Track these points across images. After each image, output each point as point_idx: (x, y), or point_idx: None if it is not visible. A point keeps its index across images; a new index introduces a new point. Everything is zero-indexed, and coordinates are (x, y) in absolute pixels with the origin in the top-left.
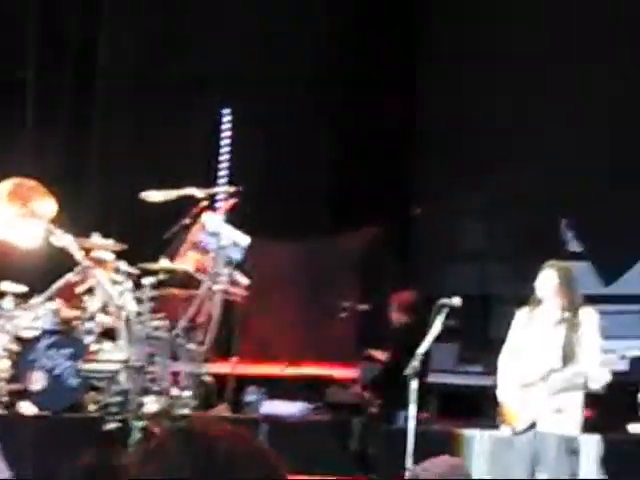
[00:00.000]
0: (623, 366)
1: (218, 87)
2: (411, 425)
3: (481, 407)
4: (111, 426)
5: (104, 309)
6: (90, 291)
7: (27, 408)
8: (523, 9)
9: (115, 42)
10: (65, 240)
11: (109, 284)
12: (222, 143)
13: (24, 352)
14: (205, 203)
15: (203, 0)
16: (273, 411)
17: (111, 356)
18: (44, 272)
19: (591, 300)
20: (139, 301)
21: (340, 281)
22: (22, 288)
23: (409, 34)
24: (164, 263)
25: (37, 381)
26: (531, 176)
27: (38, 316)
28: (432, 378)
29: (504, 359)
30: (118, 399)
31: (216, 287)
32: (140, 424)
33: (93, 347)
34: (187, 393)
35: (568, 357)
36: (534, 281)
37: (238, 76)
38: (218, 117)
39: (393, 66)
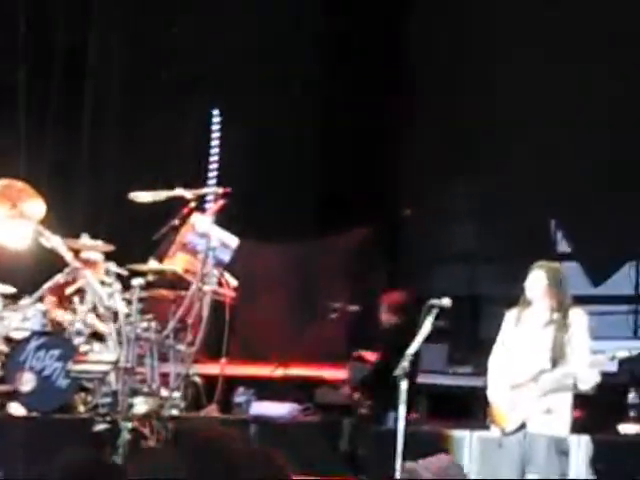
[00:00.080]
0: (612, 367)
1: (207, 88)
2: (401, 426)
3: (471, 408)
4: (101, 427)
5: (93, 310)
6: (79, 292)
7: (16, 409)
8: (523, 9)
9: (104, 43)
10: (54, 241)
11: (98, 285)
12: (211, 144)
13: (13, 353)
14: (194, 204)
15: (193, 1)
16: (263, 412)
17: (100, 357)
18: (33, 273)
19: (580, 301)
20: (128, 302)
21: (329, 282)
22: (11, 289)
23: (394, 34)
24: (153, 264)
25: (26, 382)
26: (521, 177)
27: (27, 317)
28: (422, 379)
29: (494, 360)
30: (108, 400)
31: (205, 288)
32: (130, 425)
33: (82, 348)
34: (176, 394)
35: (557, 358)
36: (524, 282)
37: (227, 77)
38: (207, 118)
39: (380, 67)
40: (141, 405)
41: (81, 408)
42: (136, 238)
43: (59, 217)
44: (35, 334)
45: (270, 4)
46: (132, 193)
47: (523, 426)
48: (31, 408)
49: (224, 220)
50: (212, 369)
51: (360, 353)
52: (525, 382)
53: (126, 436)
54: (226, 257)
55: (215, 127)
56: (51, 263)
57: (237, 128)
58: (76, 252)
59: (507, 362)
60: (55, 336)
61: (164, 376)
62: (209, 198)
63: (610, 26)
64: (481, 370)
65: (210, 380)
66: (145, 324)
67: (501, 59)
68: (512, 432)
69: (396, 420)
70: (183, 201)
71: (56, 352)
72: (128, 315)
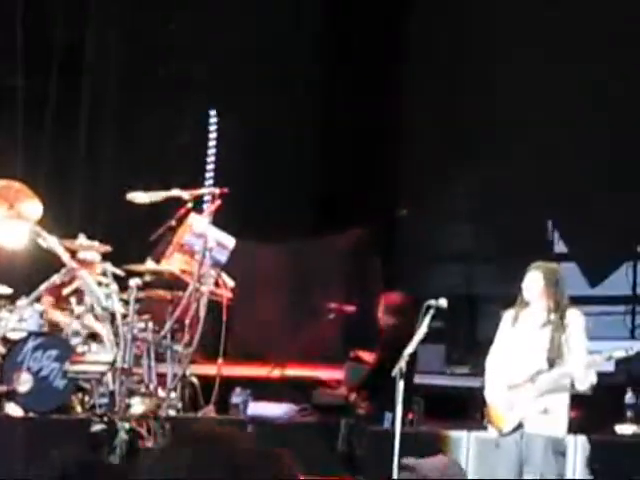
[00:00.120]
0: (609, 367)
1: (205, 85)
2: (398, 426)
3: (468, 408)
4: (98, 427)
5: (90, 311)
6: (76, 293)
7: (14, 410)
8: (523, 9)
9: (101, 40)
10: (51, 241)
11: (95, 286)
12: (209, 144)
13: (10, 354)
14: (191, 204)
15: (190, 3)
16: (260, 413)
17: (98, 358)
18: (30, 274)
19: (577, 301)
20: (125, 302)
21: (326, 282)
22: (7, 290)
23: (394, 34)
24: (150, 264)
25: (24, 383)
26: (519, 177)
27: (24, 318)
28: (419, 379)
29: (491, 360)
30: (105, 401)
31: (202, 289)
32: (127, 425)
33: (80, 349)
34: (174, 395)
35: (554, 358)
36: (521, 282)
37: (226, 77)
38: (205, 116)
39: (380, 67)
40: (138, 405)
41: (78, 409)
42: (133, 238)
43: (56, 217)
44: (32, 335)
45: (270, 4)
46: (129, 194)
47: (520, 426)
48: (28, 409)
49: (221, 220)
50: (209, 370)
51: (357, 353)
52: (522, 382)
53: (123, 436)
54: (223, 258)
55: (212, 127)
56: (48, 263)
57: (236, 127)
58: (73, 252)
59: (504, 362)
60: (52, 337)
61: (161, 377)
62: (206, 198)
63: (610, 26)
64: (478, 370)
65: (207, 381)
66: (142, 324)
67: (501, 59)
68: (509, 432)
69: (393, 420)
70: (180, 201)
71: (53, 353)
72: (125, 316)
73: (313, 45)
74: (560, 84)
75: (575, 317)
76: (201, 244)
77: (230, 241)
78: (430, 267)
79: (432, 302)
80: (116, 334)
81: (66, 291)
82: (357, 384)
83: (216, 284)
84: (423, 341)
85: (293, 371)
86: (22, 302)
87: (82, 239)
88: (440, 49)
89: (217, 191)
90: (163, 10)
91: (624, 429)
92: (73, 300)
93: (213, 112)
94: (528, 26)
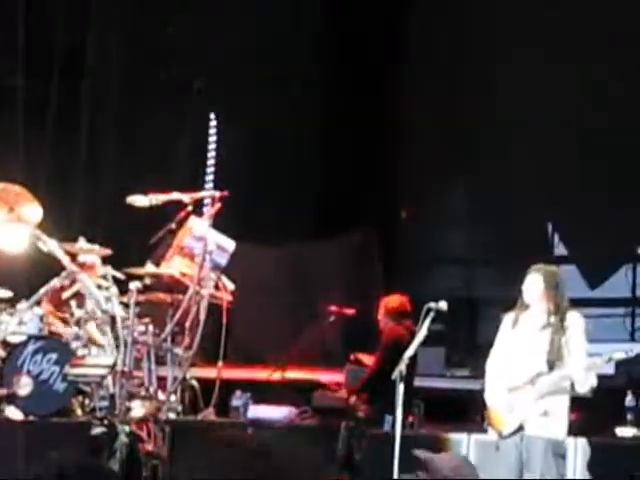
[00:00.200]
0: (609, 370)
1: (206, 92)
2: (398, 429)
3: (468, 411)
4: (98, 431)
5: (91, 314)
6: (76, 296)
7: (14, 413)
8: (523, 9)
9: (102, 43)
10: (51, 245)
11: (95, 289)
12: (209, 147)
13: (10, 357)
14: (191, 208)
15: (191, 3)
16: (260, 416)
17: (98, 361)
18: (30, 277)
19: (577, 303)
20: (125, 306)
21: (326, 285)
22: (8, 293)
23: (394, 34)
24: (150, 268)
25: (24, 386)
26: (519, 178)
27: (24, 321)
28: (419, 382)
29: (491, 363)
30: (105, 404)
31: (202, 292)
32: (127, 428)
33: (80, 352)
34: (174, 398)
35: (554, 361)
36: (521, 285)
37: (226, 77)
38: (205, 121)
39: (380, 67)
40: (138, 409)
41: (78, 412)
42: (133, 242)
43: (56, 221)
44: (32, 338)
45: (270, 4)
46: (129, 197)
47: (520, 429)
48: (28, 412)
49: (222, 223)
50: (209, 372)
51: (357, 356)
52: (522, 385)
53: (123, 440)
54: (223, 261)
55: (212, 130)
56: (48, 267)
57: (236, 128)
58: (73, 256)
59: (504, 365)
60: (52, 340)
61: (161, 380)
62: (206, 202)
63: (610, 26)
64: (478, 373)
65: (207, 384)
66: (142, 328)
67: (501, 59)
68: (509, 435)
69: (393, 423)
70: (180, 205)
71: (53, 356)
72: (125, 319)
73: (313, 45)
74: (560, 84)
75: (575, 319)
76: (201, 247)
77: (230, 244)
78: (430, 270)
79: (432, 305)
80: (116, 337)
81: (66, 294)
82: (356, 387)
83: (216, 287)
84: (423, 344)
85: (293, 374)
86: (22, 305)
87: (82, 242)
88: (440, 49)
89: (217, 194)
90: (164, 14)
91: (624, 432)
92: (73, 303)
93: (213, 115)
94: (528, 26)
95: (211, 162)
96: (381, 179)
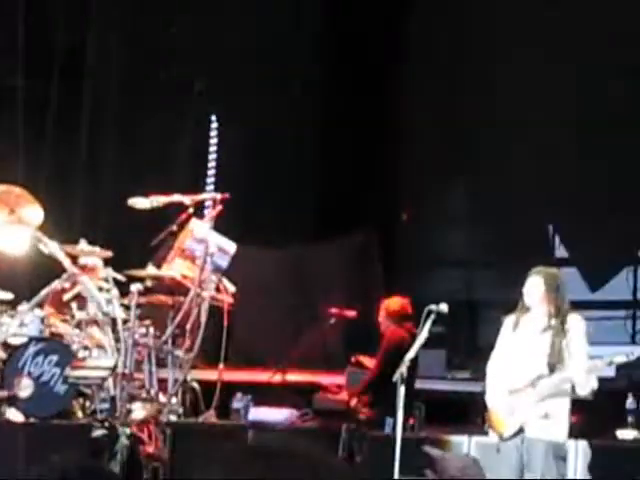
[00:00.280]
0: (610, 372)
1: (206, 93)
2: (399, 431)
3: (469, 413)
4: (99, 433)
5: (92, 316)
6: (77, 298)
7: (15, 415)
8: (523, 9)
9: (103, 43)
10: (52, 247)
11: (96, 291)
12: (209, 149)
13: (11, 359)
14: (192, 210)
15: (191, 3)
16: (260, 418)
17: (99, 363)
18: (31, 279)
19: (577, 306)
20: (126, 308)
21: (327, 287)
22: (9, 295)
23: (394, 34)
24: (151, 270)
25: (25, 388)
26: (519, 179)
27: (25, 323)
28: (420, 384)
29: (492, 365)
30: (106, 406)
31: (204, 294)
32: (128, 431)
33: (80, 354)
34: (175, 400)
35: (555, 363)
36: (521, 287)
37: (226, 78)
38: (206, 119)
39: (380, 67)
40: (139, 411)
41: (79, 414)
42: (134, 244)
43: (57, 223)
44: (33, 340)
45: (270, 4)
46: (130, 200)
47: (521, 431)
48: (29, 414)
49: (222, 225)
50: (210, 375)
51: (358, 358)
52: (523, 387)
53: (124, 442)
54: (224, 263)
55: (213, 132)
56: (49, 269)
57: (236, 129)
58: (74, 258)
59: (505, 367)
60: (53, 342)
61: (162, 382)
62: (207, 204)
63: (610, 26)
64: (479, 375)
65: (208, 386)
66: (143, 330)
67: (501, 59)
68: (510, 437)
69: (394, 426)
70: (181, 207)
71: (54, 358)
72: (126, 321)
73: (313, 45)
74: (560, 84)
75: (576, 322)
76: (202, 249)
77: (231, 246)
78: (430, 272)
79: (433, 307)
80: (117, 339)
81: (67, 296)
82: (357, 389)
83: (217, 289)
84: (424, 346)
85: (294, 376)
86: (23, 307)
87: (83, 244)
88: (440, 49)
89: (218, 196)
90: (164, 14)
91: (625, 434)
92: (74, 305)
93: (214, 117)
94: (528, 26)
95: (212, 163)
96: (381, 179)
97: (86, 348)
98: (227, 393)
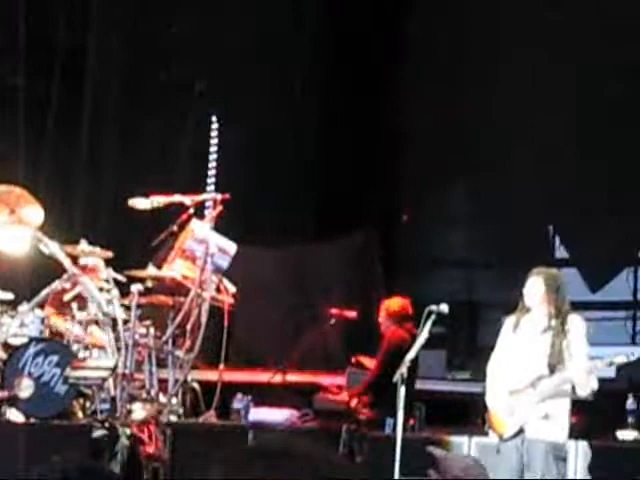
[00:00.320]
0: (610, 373)
1: (206, 93)
2: (399, 432)
3: (469, 414)
4: (99, 433)
5: (92, 316)
6: (78, 298)
7: (15, 415)
8: (523, 9)
9: (103, 44)
10: (52, 247)
11: (96, 291)
12: (210, 149)
13: (12, 359)
14: (193, 210)
15: (192, 4)
16: (261, 418)
17: (99, 363)
18: (31, 279)
19: (578, 307)
20: (127, 308)
21: (328, 288)
22: (9, 295)
23: (394, 34)
24: (152, 270)
25: (25, 388)
26: (520, 180)
27: (25, 323)
28: (420, 385)
29: (492, 366)
30: (106, 406)
31: (204, 294)
32: (128, 431)
33: (81, 354)
34: (175, 400)
35: (555, 364)
36: (522, 288)
37: (226, 78)
38: (207, 119)
39: (380, 67)
40: (139, 411)
41: (79, 414)
42: (135, 244)
43: (57, 223)
44: (33, 340)
45: (270, 4)
46: (131, 200)
47: (521, 432)
48: (29, 414)
49: (223, 225)
50: (210, 375)
51: (358, 359)
52: (523, 388)
53: (124, 442)
54: (224, 263)
55: (214, 129)
56: (49, 269)
57: (236, 129)
58: (74, 258)
59: (505, 368)
60: (53, 342)
61: (162, 382)
62: (208, 204)
63: (610, 26)
64: (479, 376)
65: (208, 386)
66: (143, 330)
67: (501, 59)
68: (510, 438)
69: (394, 426)
70: (182, 207)
71: (55, 358)
72: (126, 321)
73: (313, 45)
74: (560, 84)
75: (576, 322)
76: (203, 250)
77: (231, 247)
78: (431, 272)
79: (433, 308)
80: (117, 340)
81: (67, 297)
82: (358, 389)
83: (217, 290)
84: (424, 347)
85: (294, 377)
86: (23, 308)
87: (83, 245)
88: (440, 49)
89: (219, 197)
90: (164, 14)
91: (625, 435)
92: (74, 306)
93: (214, 117)
94: (528, 26)
95: (212, 164)
96: (381, 179)
97: (86, 348)
98: (227, 393)
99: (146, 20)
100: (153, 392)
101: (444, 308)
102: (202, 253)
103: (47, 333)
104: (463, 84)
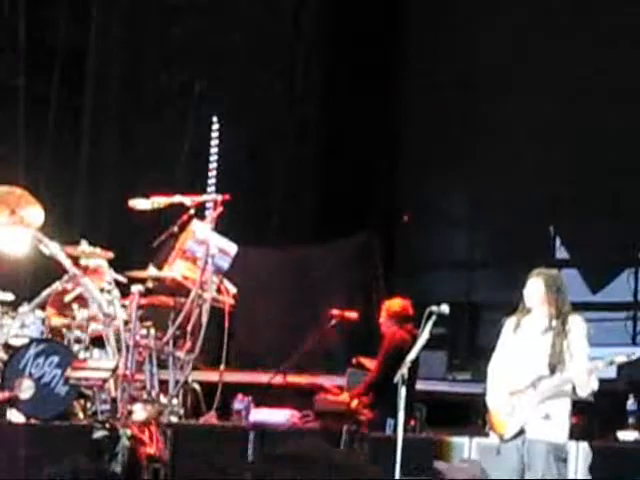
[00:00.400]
0: (611, 374)
1: (207, 95)
2: (399, 433)
3: (469, 414)
4: (100, 434)
5: (92, 317)
6: (78, 299)
7: (16, 416)
8: (524, 8)
9: (103, 45)
10: (53, 248)
11: (97, 292)
12: (210, 150)
13: (12, 360)
14: (193, 211)
15: (192, 7)
16: (262, 419)
17: (99, 364)
18: (32, 280)
19: (578, 307)
20: (127, 309)
21: (329, 289)
22: (9, 296)
23: (394, 34)
24: (152, 271)
25: (26, 389)
26: (518, 182)
27: (26, 324)
28: (421, 386)
29: (493, 367)
30: (107, 407)
31: (204, 295)
32: (129, 432)
33: (82, 355)
34: (175, 401)
35: (556, 364)
36: (522, 289)
37: (227, 78)
38: (206, 123)
39: (380, 67)
40: (140, 412)
41: (80, 415)
42: (135, 245)
43: (58, 224)
44: (34, 341)
45: (270, 5)
46: (131, 201)
47: (522, 432)
48: (30, 415)
49: (223, 224)
50: (211, 376)
51: (359, 360)
52: (524, 388)
53: (125, 443)
54: (225, 264)
55: (214, 130)
56: (50, 270)
57: (236, 130)
58: (75, 259)
59: (506, 368)
60: (54, 343)
61: (163, 383)
62: (209, 205)
63: (611, 26)
64: (480, 377)
65: (209, 387)
66: (144, 331)
67: (502, 59)
68: (511, 438)
69: (395, 427)
70: (182, 208)
71: (55, 359)
72: (127, 322)
73: (313, 45)
74: (561, 84)
75: (577, 323)
76: (203, 251)
77: (232, 247)
78: (431, 273)
79: (434, 308)
80: (118, 340)
81: (68, 298)
82: (358, 390)
83: (218, 291)
84: (425, 347)
85: (295, 378)
86: (24, 309)
87: (84, 245)
88: (440, 49)
89: (219, 198)
90: (165, 15)
91: (626, 435)
92: (75, 307)
93: (215, 119)
94: (528, 26)
95: (212, 164)
96: (381, 180)
97: (87, 349)
98: (228, 394)
99: (146, 20)
100: (154, 393)
101: (445, 309)
102: (203, 254)
103: (48, 334)
104: (463, 84)
